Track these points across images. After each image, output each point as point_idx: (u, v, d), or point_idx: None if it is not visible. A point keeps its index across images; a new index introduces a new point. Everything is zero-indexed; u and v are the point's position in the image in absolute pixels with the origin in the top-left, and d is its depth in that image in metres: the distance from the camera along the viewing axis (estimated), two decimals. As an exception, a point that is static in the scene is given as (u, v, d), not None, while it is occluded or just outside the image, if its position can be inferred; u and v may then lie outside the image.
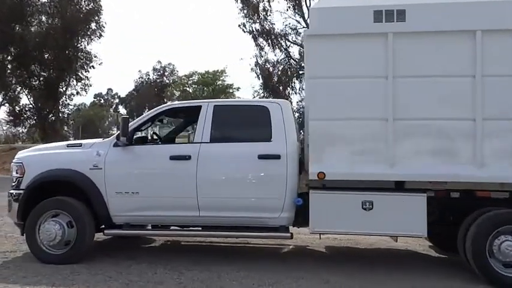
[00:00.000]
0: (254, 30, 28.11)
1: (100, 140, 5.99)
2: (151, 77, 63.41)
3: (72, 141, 5.98)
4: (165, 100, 58.72)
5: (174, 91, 53.67)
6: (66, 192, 5.66)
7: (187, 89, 50.96)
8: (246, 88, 72.78)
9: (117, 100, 77.35)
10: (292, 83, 28.80)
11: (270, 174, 5.33)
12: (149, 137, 6.40)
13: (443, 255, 6.36)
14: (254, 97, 28.36)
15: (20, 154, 6.06)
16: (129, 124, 5.49)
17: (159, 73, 62.40)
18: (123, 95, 73.61)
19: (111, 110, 78.02)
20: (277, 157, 5.28)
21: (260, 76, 28.33)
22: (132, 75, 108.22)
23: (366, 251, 6.65)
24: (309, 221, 5.37)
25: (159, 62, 64.88)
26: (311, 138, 5.15)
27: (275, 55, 29.04)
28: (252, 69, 28.64)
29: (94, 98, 73.16)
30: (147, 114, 5.87)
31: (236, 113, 5.74)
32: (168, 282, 4.80)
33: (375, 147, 5.04)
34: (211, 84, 47.90)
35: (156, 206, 5.46)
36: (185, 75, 52.30)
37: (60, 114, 30.27)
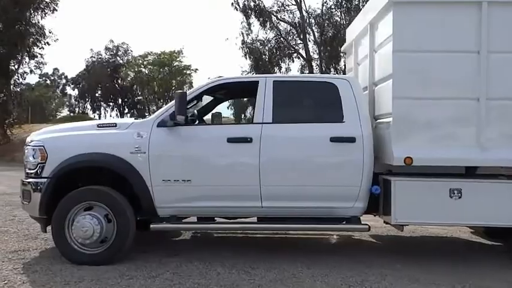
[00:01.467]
0: (246, 5, 26.82)
1: (132, 119, 5.14)
2: (103, 57, 60.08)
3: (103, 121, 5.10)
4: (119, 81, 56.14)
5: (129, 72, 51.34)
6: (93, 181, 4.82)
7: (143, 69, 48.88)
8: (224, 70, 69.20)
9: (64, 81, 72.94)
10: (282, 62, 28.00)
11: (344, 159, 4.75)
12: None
13: (496, 243, 6.10)
14: None
15: (38, 136, 5.07)
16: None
17: (112, 52, 59.18)
18: (71, 75, 69.51)
19: (58, 91, 73.64)
20: (352, 140, 4.69)
21: (249, 55, 27.10)
22: (81, 55, 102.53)
23: (415, 240, 6.28)
24: (380, 210, 4.91)
25: (112, 41, 61.31)
26: (395, 119, 4.60)
27: (265, 33, 27.93)
28: (241, 47, 27.33)
29: (39, 78, 68.45)
30: (195, 90, 5.07)
31: (299, 90, 5.09)
32: (244, 284, 4.12)
33: (466, 130, 4.59)
34: (167, 65, 46.20)
35: (211, 196, 4.74)
36: (140, 56, 49.98)
37: (12, 95, 27.66)
